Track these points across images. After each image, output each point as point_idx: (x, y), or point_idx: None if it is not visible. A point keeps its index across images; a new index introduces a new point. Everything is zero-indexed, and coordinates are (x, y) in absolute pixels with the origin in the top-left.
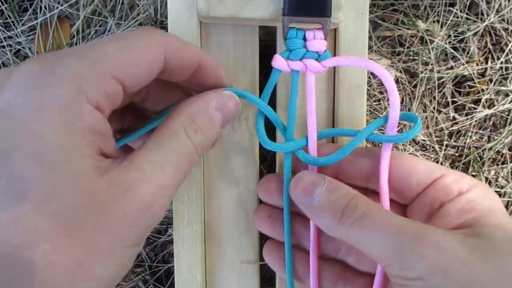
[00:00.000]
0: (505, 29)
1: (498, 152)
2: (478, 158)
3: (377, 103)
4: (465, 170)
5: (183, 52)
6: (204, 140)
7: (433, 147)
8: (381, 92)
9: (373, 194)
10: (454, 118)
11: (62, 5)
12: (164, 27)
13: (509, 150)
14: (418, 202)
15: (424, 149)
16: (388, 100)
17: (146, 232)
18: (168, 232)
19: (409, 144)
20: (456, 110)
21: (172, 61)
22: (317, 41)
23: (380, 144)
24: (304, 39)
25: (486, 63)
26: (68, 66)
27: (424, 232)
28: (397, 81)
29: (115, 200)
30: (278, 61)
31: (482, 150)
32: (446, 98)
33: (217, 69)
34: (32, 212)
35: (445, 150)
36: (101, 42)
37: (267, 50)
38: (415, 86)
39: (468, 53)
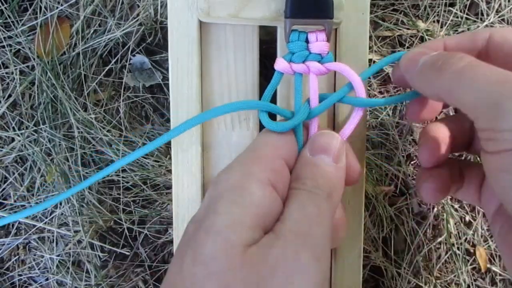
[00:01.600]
0: None
1: None
2: (478, 158)
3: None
4: None
5: None
6: (320, 184)
7: None
8: (380, 92)
9: None
10: None
11: (62, 5)
12: (164, 27)
13: None
14: None
15: None
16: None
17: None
18: (168, 232)
19: (409, 144)
20: (456, 110)
21: None
22: (320, 43)
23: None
24: (307, 41)
25: None
26: (238, 160)
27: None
28: None
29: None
30: (281, 64)
31: None
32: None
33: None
34: (202, 274)
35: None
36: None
37: (267, 50)
38: None
39: None
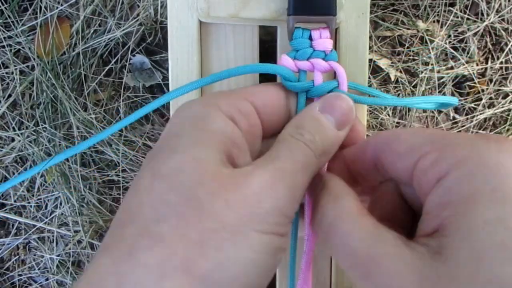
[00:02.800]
0: (505, 29)
1: None
2: None
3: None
4: None
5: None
6: (317, 140)
7: None
8: None
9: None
10: (454, 118)
11: (62, 5)
12: (164, 27)
13: None
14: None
15: None
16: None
17: (277, 221)
18: None
19: None
20: (456, 110)
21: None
22: (324, 40)
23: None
24: (310, 38)
25: (486, 63)
26: (206, 97)
27: (376, 256)
28: (397, 81)
29: (238, 183)
30: (286, 61)
31: None
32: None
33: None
34: (165, 186)
35: None
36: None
37: (267, 50)
38: (415, 86)
39: (468, 53)
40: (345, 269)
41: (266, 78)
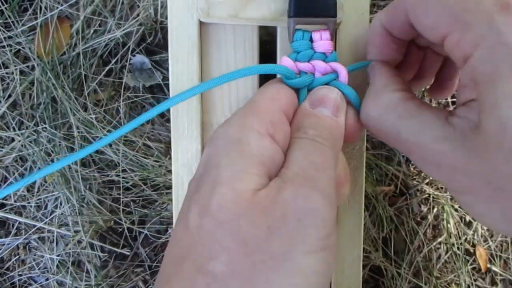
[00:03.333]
0: None
1: None
2: None
3: None
4: None
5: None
6: (322, 132)
7: None
8: None
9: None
10: None
11: (62, 5)
12: (164, 27)
13: None
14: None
15: None
16: None
17: (321, 235)
18: (168, 233)
19: None
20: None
21: None
22: (324, 42)
23: None
24: (311, 40)
25: None
26: (238, 117)
27: (425, 143)
28: None
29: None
30: (287, 63)
31: None
32: (446, 98)
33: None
34: (212, 224)
35: None
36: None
37: (267, 50)
38: None
39: None
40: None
41: (266, 77)
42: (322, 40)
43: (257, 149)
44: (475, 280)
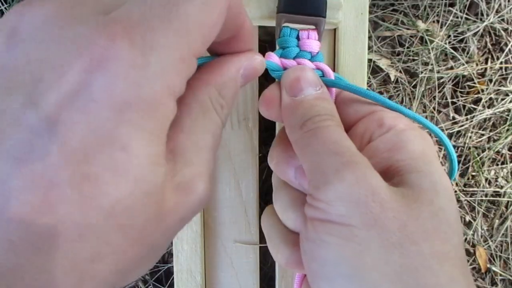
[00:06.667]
0: (505, 29)
1: (498, 152)
2: (478, 158)
3: None
4: (465, 170)
5: (240, 12)
6: (227, 113)
7: None
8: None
9: None
10: (454, 118)
11: None
12: None
13: (508, 150)
14: (351, 133)
15: None
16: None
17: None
18: None
19: None
20: (456, 110)
21: (227, 22)
22: (311, 41)
23: None
24: (298, 38)
25: (486, 63)
26: (156, 36)
27: (358, 162)
28: (396, 81)
29: (181, 203)
30: (272, 58)
31: (482, 150)
32: (446, 98)
33: (251, 38)
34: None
35: (445, 150)
36: None
37: (266, 50)
38: (415, 86)
39: (468, 53)
40: None
41: (266, 78)
42: (309, 39)
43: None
44: (475, 280)
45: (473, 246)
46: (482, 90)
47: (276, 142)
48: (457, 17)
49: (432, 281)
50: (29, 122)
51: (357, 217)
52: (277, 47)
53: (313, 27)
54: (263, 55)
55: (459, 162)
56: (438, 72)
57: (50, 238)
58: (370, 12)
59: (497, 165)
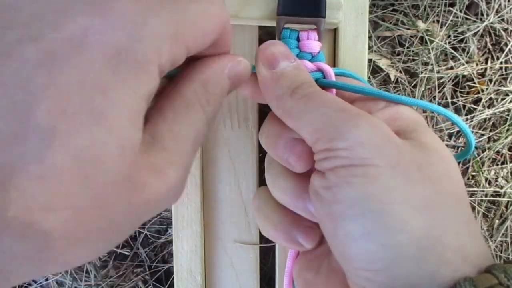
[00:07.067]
0: (505, 29)
1: (498, 152)
2: (478, 158)
3: None
4: (465, 170)
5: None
6: (213, 110)
7: None
8: None
9: None
10: None
11: None
12: None
13: (508, 150)
14: None
15: None
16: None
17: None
18: (168, 233)
19: None
20: (456, 110)
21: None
22: (311, 42)
23: None
24: (298, 39)
25: (486, 63)
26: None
27: (367, 114)
28: (396, 81)
29: (149, 184)
30: None
31: (482, 150)
32: (446, 98)
33: (230, 43)
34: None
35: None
36: None
37: None
38: (415, 86)
39: (468, 53)
40: None
41: None
42: (308, 40)
43: (151, 89)
44: None
45: None
46: (482, 90)
47: (268, 118)
48: (457, 17)
49: (453, 215)
50: (26, 55)
51: (380, 157)
52: None
53: (314, 27)
54: None
55: (459, 162)
56: (438, 72)
57: (11, 173)
58: (370, 12)
59: (497, 165)
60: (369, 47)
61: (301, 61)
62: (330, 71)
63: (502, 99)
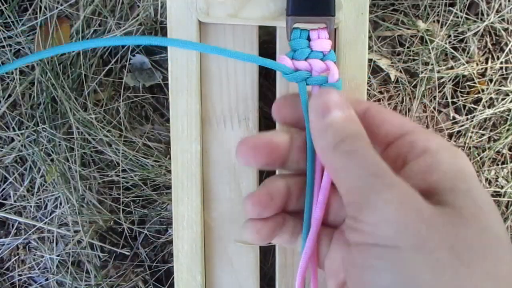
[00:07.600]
0: (505, 29)
1: (498, 152)
2: (478, 158)
3: (377, 103)
4: None
5: None
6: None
7: None
8: (381, 92)
9: None
10: (454, 118)
11: (62, 5)
12: (164, 27)
13: (509, 150)
14: (383, 157)
15: None
16: (387, 100)
17: None
18: (168, 233)
19: None
20: (456, 110)
21: None
22: (322, 41)
23: None
24: (308, 39)
25: (486, 63)
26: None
27: (400, 183)
28: (397, 81)
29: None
30: (284, 61)
31: (483, 150)
32: (446, 98)
33: None
34: None
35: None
36: None
37: (266, 50)
38: (415, 86)
39: (468, 53)
40: None
41: (266, 78)
42: (319, 39)
43: None
44: None
45: None
46: (483, 90)
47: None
48: (457, 17)
49: None
50: None
51: (405, 238)
52: (278, 48)
53: (323, 25)
54: (265, 56)
55: None
56: (438, 72)
57: None
58: (370, 12)
59: (498, 165)
60: (369, 47)
61: (312, 60)
62: (334, 72)
63: (503, 99)
